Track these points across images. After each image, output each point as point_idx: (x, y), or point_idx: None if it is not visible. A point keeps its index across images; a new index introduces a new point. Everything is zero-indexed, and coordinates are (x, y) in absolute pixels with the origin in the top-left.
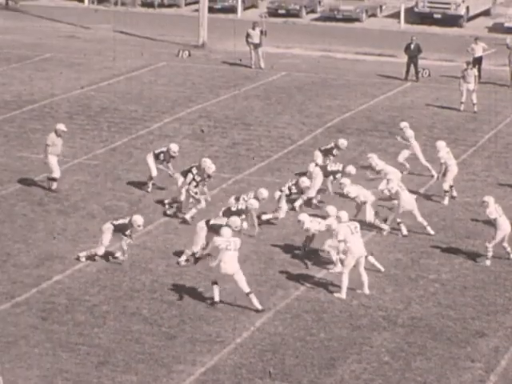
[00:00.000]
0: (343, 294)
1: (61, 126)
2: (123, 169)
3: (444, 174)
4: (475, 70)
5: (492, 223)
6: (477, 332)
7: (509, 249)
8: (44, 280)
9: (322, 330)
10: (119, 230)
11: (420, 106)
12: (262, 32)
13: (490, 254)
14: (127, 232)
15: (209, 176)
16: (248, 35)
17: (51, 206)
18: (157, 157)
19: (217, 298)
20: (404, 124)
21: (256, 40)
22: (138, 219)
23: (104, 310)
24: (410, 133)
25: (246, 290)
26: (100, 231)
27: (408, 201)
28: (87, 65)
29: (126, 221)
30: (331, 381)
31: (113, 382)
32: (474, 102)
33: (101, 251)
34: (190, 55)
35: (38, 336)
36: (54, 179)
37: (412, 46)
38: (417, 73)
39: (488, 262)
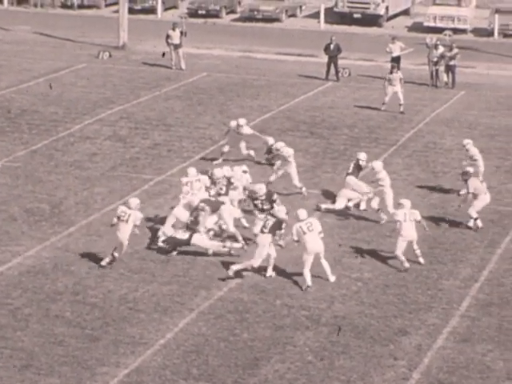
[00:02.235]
0: (308, 282)
1: None
2: (44, 171)
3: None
4: (400, 73)
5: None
6: (399, 330)
7: (418, 251)
8: None
9: (246, 330)
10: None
11: (341, 106)
12: (182, 33)
13: (402, 258)
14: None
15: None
16: (168, 36)
17: None
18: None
19: None
20: (242, 121)
21: (176, 41)
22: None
23: (27, 313)
24: (247, 129)
25: None
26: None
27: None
28: (7, 67)
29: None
30: (255, 381)
31: None
32: (401, 102)
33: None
34: (110, 56)
35: None
36: None
37: (332, 46)
38: (337, 72)
39: (406, 265)
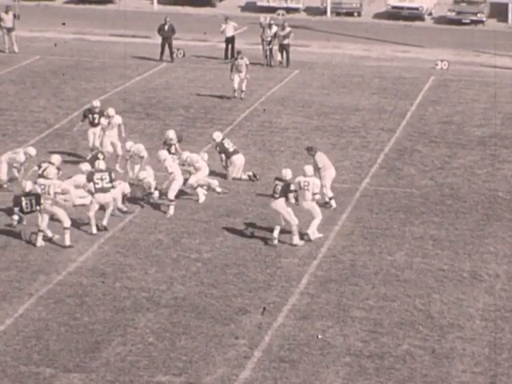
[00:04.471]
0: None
1: None
2: None
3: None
4: (246, 60)
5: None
6: (240, 309)
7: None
8: None
9: (86, 314)
10: None
11: (176, 87)
12: (15, 16)
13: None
14: None
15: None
16: (1, 19)
17: None
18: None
19: None
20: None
21: (9, 24)
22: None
23: None
24: (117, 118)
25: None
26: None
27: None
28: None
29: None
30: (97, 364)
31: None
32: (243, 89)
33: None
34: None
35: None
36: None
37: (166, 27)
38: (171, 53)
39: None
